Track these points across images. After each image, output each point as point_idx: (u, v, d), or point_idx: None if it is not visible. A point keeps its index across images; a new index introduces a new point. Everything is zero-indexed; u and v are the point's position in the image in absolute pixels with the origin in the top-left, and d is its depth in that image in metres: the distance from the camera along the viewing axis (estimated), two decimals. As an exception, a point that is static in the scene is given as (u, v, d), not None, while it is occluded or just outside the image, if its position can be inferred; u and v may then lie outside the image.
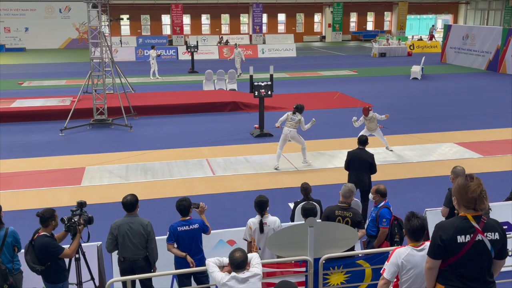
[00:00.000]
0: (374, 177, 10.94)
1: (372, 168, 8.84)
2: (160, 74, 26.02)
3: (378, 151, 13.14)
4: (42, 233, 5.71)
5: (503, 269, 4.44)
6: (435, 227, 4.13)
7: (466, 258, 3.98)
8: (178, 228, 6.12)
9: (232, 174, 11.67)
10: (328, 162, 12.44)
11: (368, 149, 9.19)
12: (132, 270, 5.97)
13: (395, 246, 6.22)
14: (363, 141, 9.14)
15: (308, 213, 6.37)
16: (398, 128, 15.39)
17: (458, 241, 3.96)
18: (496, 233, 4.02)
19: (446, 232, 3.99)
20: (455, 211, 4.23)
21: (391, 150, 13.04)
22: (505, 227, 4.26)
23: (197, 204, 6.32)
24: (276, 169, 11.78)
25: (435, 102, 19.52)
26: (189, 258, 6.11)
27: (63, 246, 5.85)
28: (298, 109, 11.79)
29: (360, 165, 8.85)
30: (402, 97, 20.54)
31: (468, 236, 3.97)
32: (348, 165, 9.02)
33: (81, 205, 6.00)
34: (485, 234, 3.98)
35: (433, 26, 48.04)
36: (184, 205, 6.16)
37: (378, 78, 25.65)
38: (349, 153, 9.11)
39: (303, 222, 6.05)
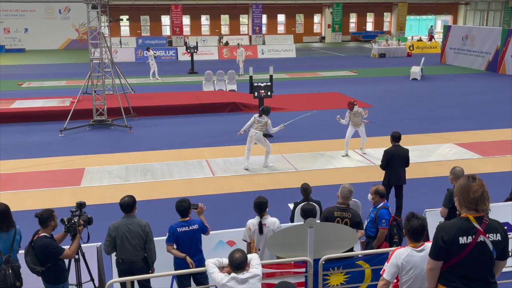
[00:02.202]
0: (374, 178, 10.95)
1: (408, 163, 9.09)
2: (159, 74, 26.04)
3: (378, 151, 13.16)
4: (42, 234, 5.70)
5: (504, 270, 4.44)
6: (436, 228, 4.12)
7: (468, 259, 3.98)
8: (178, 229, 6.11)
9: (231, 175, 11.67)
10: (327, 162, 12.44)
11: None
12: (130, 271, 5.96)
13: (394, 246, 6.22)
14: (397, 137, 9.22)
15: (307, 213, 6.36)
16: (398, 129, 15.33)
17: (460, 242, 3.95)
18: (498, 234, 4.01)
19: (448, 233, 3.99)
20: (456, 212, 4.23)
21: (364, 153, 12.88)
22: (505, 227, 4.25)
23: (196, 205, 6.32)
24: (246, 169, 11.76)
25: (434, 102, 19.53)
26: (188, 259, 6.10)
27: (63, 247, 5.85)
28: (265, 112, 11.78)
29: (399, 161, 8.99)
30: (401, 98, 20.55)
31: (470, 237, 3.96)
32: (388, 163, 9.02)
33: (81, 205, 5.99)
34: (487, 235, 3.98)
35: (431, 26, 48.16)
36: (184, 206, 6.15)
37: (377, 79, 25.66)
38: (387, 152, 9.07)
39: (303, 222, 6.05)
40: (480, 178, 4.04)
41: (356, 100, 13.35)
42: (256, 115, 11.88)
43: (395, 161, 8.97)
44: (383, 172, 9.17)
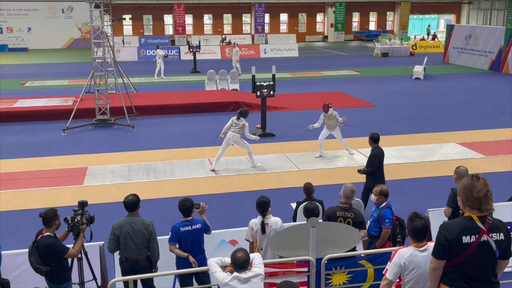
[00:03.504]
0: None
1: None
2: (163, 74, 26.03)
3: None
4: (46, 234, 5.69)
5: (507, 269, 4.43)
6: (439, 227, 4.11)
7: (471, 259, 3.97)
8: (181, 228, 6.11)
9: (234, 174, 11.66)
10: (330, 162, 12.42)
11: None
12: (133, 270, 5.96)
13: (397, 246, 6.21)
14: (378, 138, 9.13)
15: (310, 213, 6.36)
16: (401, 128, 15.38)
17: (463, 242, 3.94)
18: (501, 234, 4.00)
19: (451, 233, 3.97)
20: (460, 211, 4.21)
21: (352, 153, 12.78)
22: (508, 227, 4.23)
23: (198, 204, 6.32)
24: (212, 170, 11.70)
25: (437, 102, 19.49)
26: (191, 258, 6.11)
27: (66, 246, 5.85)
28: (242, 114, 11.64)
29: (382, 162, 8.97)
30: (404, 97, 20.51)
31: (473, 236, 3.95)
32: (380, 165, 8.96)
33: (83, 204, 5.99)
34: (490, 234, 3.96)
35: (429, 26, 48.29)
36: (187, 206, 6.15)
37: (380, 78, 25.62)
38: (377, 155, 8.91)
39: (305, 222, 6.04)
40: (484, 178, 4.02)
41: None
42: (234, 117, 11.70)
43: (382, 162, 8.97)
44: (385, 172, 9.10)
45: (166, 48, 35.50)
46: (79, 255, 5.91)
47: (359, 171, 9.10)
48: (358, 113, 17.59)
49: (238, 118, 11.62)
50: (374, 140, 9.11)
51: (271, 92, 14.39)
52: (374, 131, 9.33)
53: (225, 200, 10.18)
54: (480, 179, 3.99)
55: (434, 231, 6.88)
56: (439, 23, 54.79)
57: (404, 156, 12.82)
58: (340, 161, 12.52)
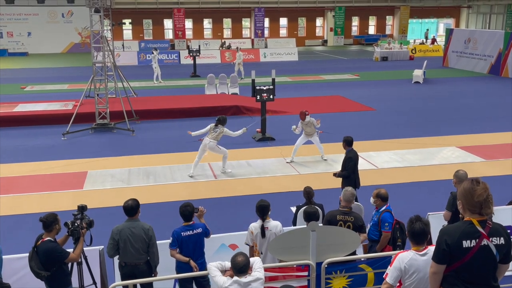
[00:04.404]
0: (377, 181, 10.94)
1: None
2: (162, 78, 26.09)
3: (380, 154, 13.15)
4: (46, 239, 5.68)
5: (507, 273, 4.42)
6: (440, 231, 4.11)
7: (471, 263, 3.96)
8: (182, 233, 6.11)
9: (234, 178, 11.66)
10: (330, 166, 12.42)
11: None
12: (133, 275, 5.95)
13: (397, 250, 6.20)
14: (351, 141, 9.29)
15: (310, 217, 6.35)
16: (400, 132, 15.38)
17: (464, 246, 3.94)
18: (501, 238, 4.00)
19: (451, 237, 3.97)
20: (460, 215, 4.21)
21: (325, 160, 12.74)
22: (508, 231, 4.23)
23: (197, 208, 6.33)
24: (191, 176, 11.66)
25: (437, 106, 19.51)
26: (192, 263, 6.11)
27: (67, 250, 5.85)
28: (221, 121, 11.61)
29: (357, 164, 9.09)
30: (404, 101, 20.53)
31: (473, 241, 3.94)
32: (355, 167, 9.03)
33: (82, 208, 5.99)
34: (490, 239, 3.96)
35: (427, 30, 48.41)
36: (188, 210, 6.17)
37: (380, 82, 25.65)
38: (351, 157, 9.08)
39: (305, 226, 6.04)
40: (484, 182, 4.02)
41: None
42: (213, 124, 11.67)
43: (356, 165, 9.09)
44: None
45: (166, 52, 35.60)
46: (79, 260, 5.91)
47: (334, 174, 9.22)
48: (358, 117, 17.61)
49: (216, 126, 11.56)
50: (347, 143, 9.26)
51: (271, 96, 14.41)
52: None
53: (225, 204, 10.17)
54: (480, 183, 3.98)
55: (435, 235, 6.88)
56: (439, 27, 54.88)
57: (404, 160, 12.83)
58: (340, 165, 12.48)
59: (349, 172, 9.02)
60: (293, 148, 12.62)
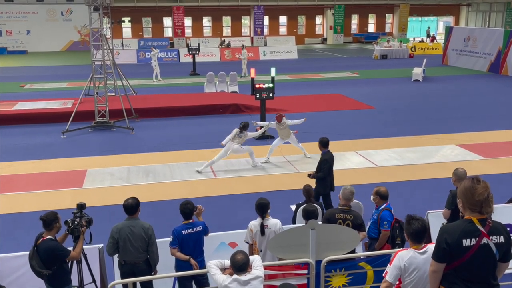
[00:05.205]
0: (376, 179, 10.94)
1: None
2: (161, 76, 26.07)
3: (379, 152, 13.15)
4: (47, 237, 5.67)
5: (507, 272, 4.42)
6: (440, 230, 4.11)
7: (471, 262, 3.96)
8: (183, 231, 6.12)
9: (233, 176, 11.66)
10: (329, 164, 12.41)
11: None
12: (132, 273, 5.95)
13: (396, 248, 6.20)
14: (327, 142, 9.23)
15: (309, 215, 6.36)
16: (400, 130, 15.38)
17: (464, 245, 3.94)
18: (501, 236, 4.00)
19: (452, 236, 3.97)
20: (459, 214, 4.21)
21: (309, 157, 12.65)
22: (507, 229, 4.23)
23: (195, 207, 6.33)
24: (198, 172, 11.75)
25: (436, 104, 19.51)
26: (192, 261, 6.11)
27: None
28: (245, 128, 11.93)
29: (332, 166, 9.05)
30: (403, 99, 20.52)
31: (473, 239, 3.94)
32: (330, 169, 9.00)
33: (81, 207, 5.99)
34: (490, 237, 3.96)
35: (429, 28, 48.35)
36: (189, 209, 6.17)
37: (379, 80, 25.64)
38: (327, 159, 8.99)
39: (305, 224, 6.05)
40: (484, 180, 4.01)
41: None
42: (237, 129, 11.88)
43: (332, 166, 9.03)
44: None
45: (165, 51, 35.56)
46: (79, 258, 5.91)
47: (309, 175, 9.09)
48: (357, 115, 17.60)
49: (241, 131, 11.85)
50: (323, 144, 9.19)
51: (271, 94, 14.39)
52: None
53: (224, 202, 10.17)
54: (481, 182, 3.97)
55: (434, 233, 6.89)
56: (438, 25, 54.86)
57: (403, 158, 12.82)
58: (339, 163, 12.51)
59: (324, 174, 8.93)
60: (269, 149, 12.55)
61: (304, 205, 7.01)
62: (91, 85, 16.72)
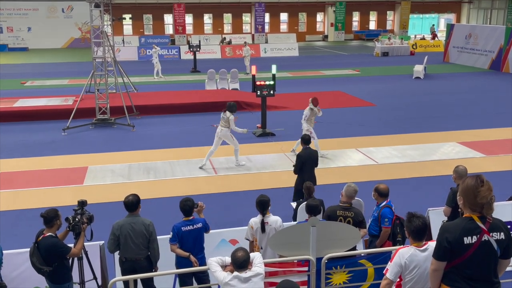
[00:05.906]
0: (377, 176, 10.94)
1: (317, 163, 9.30)
2: (162, 73, 26.05)
3: (380, 150, 13.15)
4: (47, 234, 5.68)
5: (508, 269, 4.42)
6: (440, 228, 4.11)
7: (472, 259, 3.96)
8: (183, 228, 6.12)
9: (234, 173, 11.66)
10: (330, 161, 12.42)
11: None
12: (133, 270, 5.96)
13: (397, 245, 6.20)
14: (308, 140, 9.40)
15: (312, 209, 6.36)
16: (401, 127, 15.37)
17: (465, 243, 3.93)
18: (502, 233, 4.00)
19: (453, 234, 3.96)
20: (459, 210, 4.20)
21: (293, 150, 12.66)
22: (508, 226, 4.23)
23: (196, 204, 6.33)
24: (201, 168, 11.75)
25: (437, 101, 19.48)
26: (192, 258, 6.12)
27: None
28: (227, 107, 11.71)
29: (311, 164, 9.14)
30: (404, 97, 20.50)
31: (474, 237, 3.94)
32: (302, 167, 9.06)
33: (82, 204, 5.99)
34: (491, 234, 3.96)
35: (433, 25, 48.13)
36: (189, 205, 6.17)
37: (380, 78, 25.61)
38: (301, 156, 9.11)
39: (306, 219, 6.05)
40: (488, 181, 3.98)
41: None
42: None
43: (307, 164, 9.08)
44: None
45: (166, 48, 35.52)
46: (79, 255, 5.91)
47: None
48: (358, 113, 17.59)
49: (224, 112, 11.70)
50: (304, 141, 9.39)
51: (271, 92, 14.38)
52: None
53: (225, 199, 10.18)
54: (484, 183, 3.94)
55: (435, 230, 6.89)
56: (439, 22, 54.74)
57: (404, 155, 12.82)
58: (340, 160, 12.51)
59: (296, 170, 9.12)
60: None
61: (307, 200, 7.00)
62: (92, 82, 16.71)
